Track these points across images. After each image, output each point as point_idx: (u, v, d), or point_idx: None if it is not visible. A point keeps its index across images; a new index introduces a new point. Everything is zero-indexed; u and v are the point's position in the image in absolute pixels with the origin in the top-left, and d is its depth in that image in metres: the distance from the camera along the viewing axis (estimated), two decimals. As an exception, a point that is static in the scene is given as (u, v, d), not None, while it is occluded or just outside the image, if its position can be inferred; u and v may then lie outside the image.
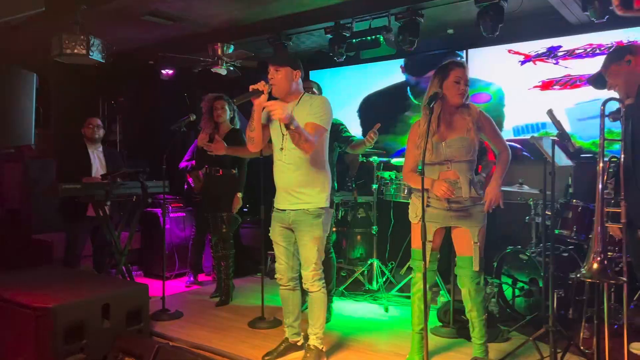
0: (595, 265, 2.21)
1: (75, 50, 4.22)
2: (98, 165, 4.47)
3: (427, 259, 2.71)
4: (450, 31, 5.15)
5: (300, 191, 2.94)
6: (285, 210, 3.00)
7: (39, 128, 5.24)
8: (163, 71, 6.15)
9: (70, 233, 4.40)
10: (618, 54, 2.56)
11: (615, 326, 3.25)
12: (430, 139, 2.78)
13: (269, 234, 3.13)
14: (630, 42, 4.27)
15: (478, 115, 2.87)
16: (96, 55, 4.33)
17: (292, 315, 3.17)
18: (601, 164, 2.31)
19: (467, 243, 2.85)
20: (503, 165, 2.91)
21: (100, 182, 4.17)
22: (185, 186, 5.26)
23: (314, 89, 3.83)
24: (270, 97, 2.93)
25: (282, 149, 2.98)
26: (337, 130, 3.75)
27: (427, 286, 2.89)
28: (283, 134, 2.94)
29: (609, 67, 2.59)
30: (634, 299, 3.37)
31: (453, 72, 2.81)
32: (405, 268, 4.69)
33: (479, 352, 2.92)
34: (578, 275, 2.31)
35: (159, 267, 4.18)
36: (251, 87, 2.86)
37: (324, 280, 3.03)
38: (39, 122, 4.56)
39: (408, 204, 3.02)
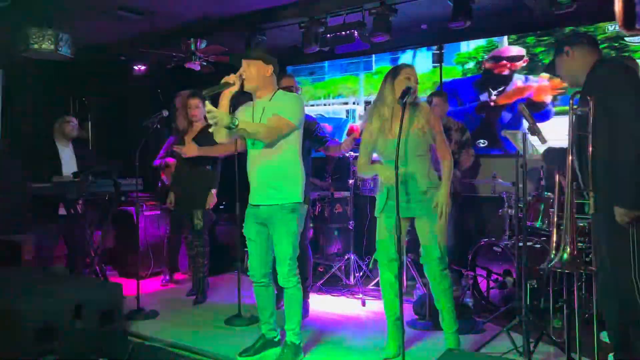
0: (565, 256, 2.26)
1: (43, 46, 4.12)
2: (69, 163, 4.37)
3: (393, 249, 2.84)
4: (423, 27, 5.19)
5: (273, 185, 2.93)
6: (259, 205, 2.99)
7: (6, 125, 5.12)
8: (135, 67, 6.04)
9: (40, 233, 4.29)
10: (559, 46, 2.62)
11: (586, 315, 3.34)
12: (385, 136, 2.91)
13: (243, 231, 3.11)
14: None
15: (429, 114, 2.95)
16: (65, 51, 4.24)
17: (267, 311, 3.16)
18: (570, 157, 2.36)
19: (427, 233, 2.93)
20: (448, 171, 2.96)
21: (71, 180, 4.07)
22: (160, 184, 5.19)
23: (294, 88, 3.81)
24: (242, 91, 2.94)
25: (253, 143, 2.99)
26: (311, 130, 3.70)
27: (393, 276, 2.95)
28: None
29: (555, 60, 2.65)
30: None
31: (403, 70, 2.92)
32: (372, 260, 4.66)
33: (451, 341, 2.96)
34: (549, 266, 2.35)
35: (133, 266, 4.12)
36: (223, 80, 2.87)
37: (299, 276, 3.02)
38: (6, 119, 4.43)
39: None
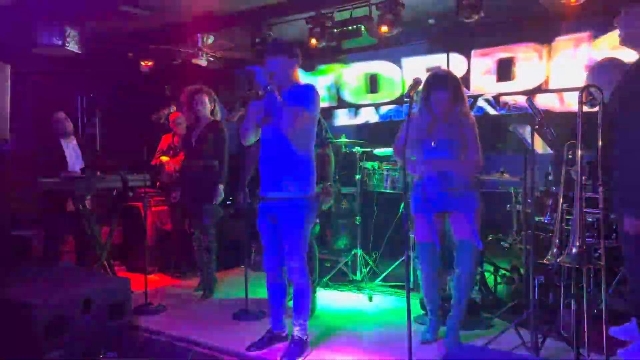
0: (574, 251, 2.24)
1: (51, 41, 4.14)
2: (74, 159, 4.40)
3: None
4: (431, 21, 5.16)
5: (286, 179, 2.92)
6: (270, 199, 2.99)
7: (15, 122, 5.14)
8: (142, 63, 6.05)
9: (49, 228, 4.33)
10: None
11: (595, 311, 3.32)
12: (427, 125, 2.98)
13: (257, 226, 3.10)
14: None
15: (466, 116, 2.99)
16: (73, 47, 4.25)
17: (276, 306, 3.17)
18: (579, 152, 2.34)
19: (464, 226, 2.95)
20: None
21: (80, 175, 4.10)
22: (158, 183, 5.19)
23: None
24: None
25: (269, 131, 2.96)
26: (320, 129, 3.61)
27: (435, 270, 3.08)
28: None
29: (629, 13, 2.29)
30: (613, 283, 3.43)
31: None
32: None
33: (453, 326, 3.01)
34: (558, 261, 2.34)
35: (141, 262, 4.14)
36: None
37: (309, 271, 3.03)
38: (14, 114, 4.48)
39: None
